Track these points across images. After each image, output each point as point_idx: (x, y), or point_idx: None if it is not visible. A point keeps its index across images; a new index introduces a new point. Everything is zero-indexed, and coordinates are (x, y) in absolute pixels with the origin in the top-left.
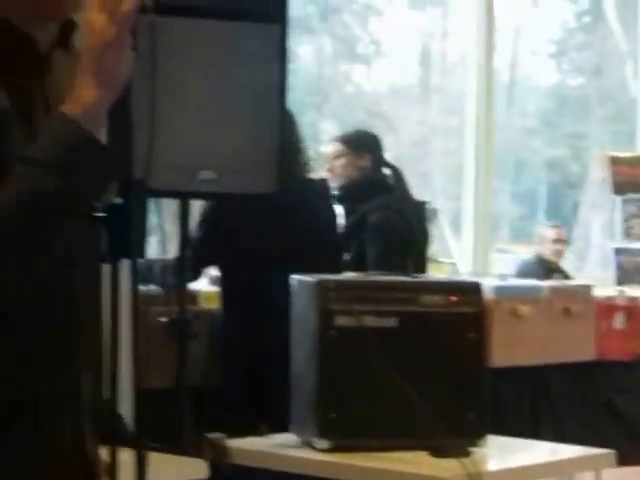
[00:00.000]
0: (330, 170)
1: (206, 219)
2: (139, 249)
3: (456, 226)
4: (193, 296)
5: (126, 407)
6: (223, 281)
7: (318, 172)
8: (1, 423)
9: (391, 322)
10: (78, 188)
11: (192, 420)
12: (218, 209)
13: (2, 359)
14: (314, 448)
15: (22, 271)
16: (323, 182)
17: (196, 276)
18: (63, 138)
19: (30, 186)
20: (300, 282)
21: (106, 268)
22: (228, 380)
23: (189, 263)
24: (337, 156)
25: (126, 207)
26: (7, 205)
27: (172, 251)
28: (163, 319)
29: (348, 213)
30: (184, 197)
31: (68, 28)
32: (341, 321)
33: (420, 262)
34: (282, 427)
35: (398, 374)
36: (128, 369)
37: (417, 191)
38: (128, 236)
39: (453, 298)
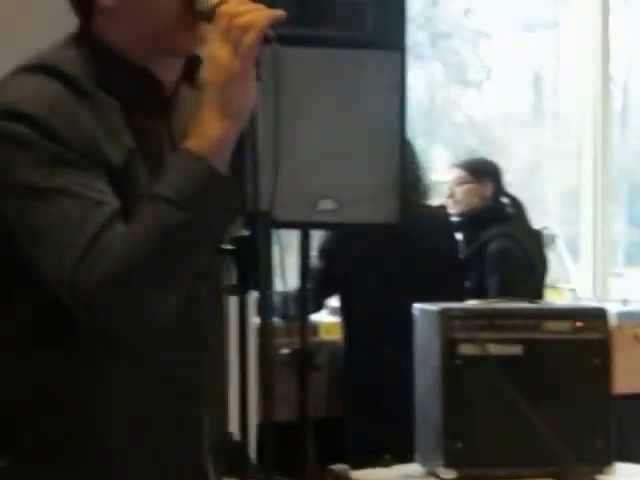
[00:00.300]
0: (450, 196)
1: (326, 249)
2: (267, 281)
3: (573, 251)
4: (314, 327)
5: (250, 440)
6: (344, 311)
7: (434, 198)
8: (122, 455)
9: (516, 350)
10: (205, 223)
11: (316, 452)
12: (338, 239)
13: (126, 389)
14: (440, 478)
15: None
16: (443, 209)
17: (317, 307)
18: (189, 174)
19: (158, 222)
20: (423, 311)
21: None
22: (351, 411)
23: (310, 294)
24: (459, 182)
25: (253, 239)
26: (136, 242)
27: (292, 283)
28: (285, 351)
29: (468, 241)
30: (305, 228)
31: (193, 63)
32: (465, 350)
33: (539, 289)
34: (406, 457)
35: (523, 402)
36: (252, 402)
37: (532, 216)
38: (256, 268)
39: (578, 324)
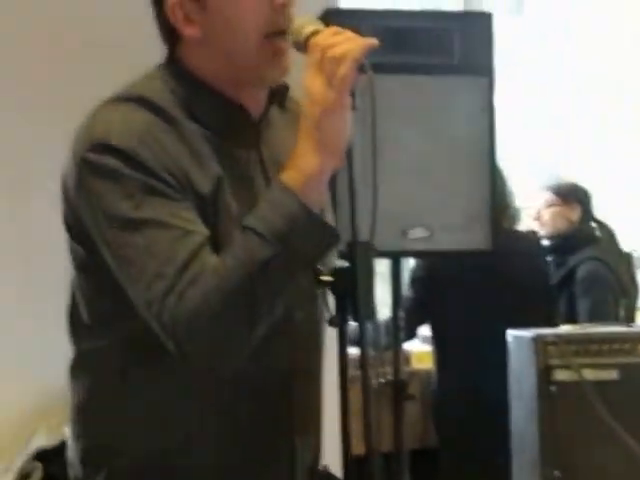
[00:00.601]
0: (537, 218)
1: (417, 277)
2: (368, 311)
3: None
4: (406, 357)
5: (348, 471)
6: (436, 339)
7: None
8: (216, 472)
9: (611, 374)
10: (295, 258)
11: None
12: (429, 266)
13: (221, 407)
14: None
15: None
16: (533, 234)
17: (410, 336)
18: (282, 209)
19: (249, 256)
20: (516, 337)
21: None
22: (445, 440)
23: (402, 323)
24: (548, 205)
25: (353, 270)
26: (226, 274)
27: (383, 312)
28: (377, 381)
29: (557, 265)
30: (396, 256)
31: (281, 91)
32: (560, 376)
33: (631, 312)
34: None
35: (620, 427)
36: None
37: (621, 239)
38: (356, 299)
39: None
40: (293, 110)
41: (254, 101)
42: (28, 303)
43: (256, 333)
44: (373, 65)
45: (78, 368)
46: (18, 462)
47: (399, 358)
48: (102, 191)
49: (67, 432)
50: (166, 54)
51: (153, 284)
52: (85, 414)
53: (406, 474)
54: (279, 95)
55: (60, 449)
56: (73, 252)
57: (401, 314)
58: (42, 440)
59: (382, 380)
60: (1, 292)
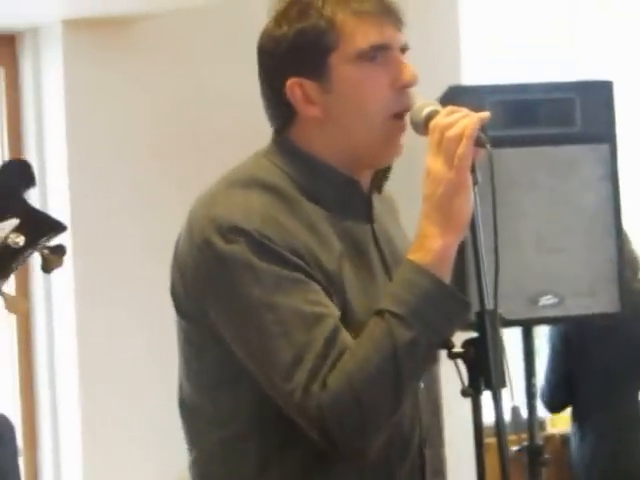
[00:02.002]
0: None
1: (554, 345)
2: (500, 380)
3: None
4: (541, 422)
5: None
6: (575, 404)
7: None
8: None
9: None
10: (432, 334)
11: None
12: (563, 336)
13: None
14: None
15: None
16: None
17: (555, 409)
18: (415, 288)
19: (387, 338)
20: None
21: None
22: None
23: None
24: None
25: (483, 340)
26: (366, 358)
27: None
28: (513, 448)
29: None
30: (528, 324)
31: (382, 172)
32: None
33: None
34: None
35: None
36: None
37: None
38: (487, 368)
39: None
40: (386, 195)
41: (364, 178)
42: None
43: (399, 409)
44: (496, 139)
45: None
46: None
47: (534, 424)
48: (231, 278)
49: None
50: (276, 134)
51: (293, 373)
52: None
53: None
54: (382, 173)
55: None
56: (186, 334)
57: (535, 381)
58: None
59: (517, 447)
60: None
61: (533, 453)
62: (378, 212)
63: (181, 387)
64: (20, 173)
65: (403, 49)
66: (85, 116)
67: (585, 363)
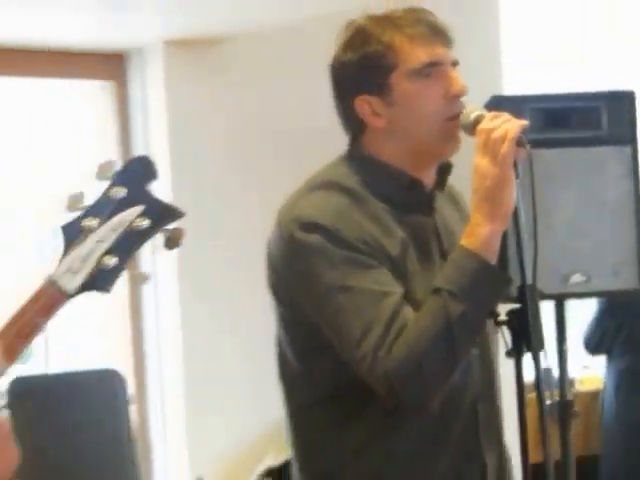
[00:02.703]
0: None
1: (598, 316)
2: (539, 344)
3: None
4: (571, 381)
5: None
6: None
7: None
8: None
9: None
10: (480, 308)
11: None
12: (607, 306)
13: (419, 439)
14: None
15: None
16: None
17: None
18: (466, 270)
19: (443, 312)
20: None
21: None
22: (608, 449)
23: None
24: None
25: (524, 310)
26: (426, 328)
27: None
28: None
29: None
30: (560, 299)
31: (445, 170)
32: None
33: None
34: None
35: None
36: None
37: None
38: (528, 334)
39: None
40: (448, 191)
41: (428, 176)
42: (255, 354)
43: (455, 371)
44: (533, 141)
45: (293, 409)
46: (252, 478)
47: (565, 382)
48: (312, 265)
49: (289, 455)
50: (350, 143)
51: (363, 342)
52: (305, 453)
53: (574, 477)
54: (444, 171)
55: (283, 467)
56: (281, 316)
57: (566, 346)
58: (270, 460)
59: (550, 402)
60: (236, 340)
61: (564, 407)
62: (440, 206)
63: (279, 351)
64: (144, 167)
65: (454, 64)
66: (184, 124)
67: (623, 331)
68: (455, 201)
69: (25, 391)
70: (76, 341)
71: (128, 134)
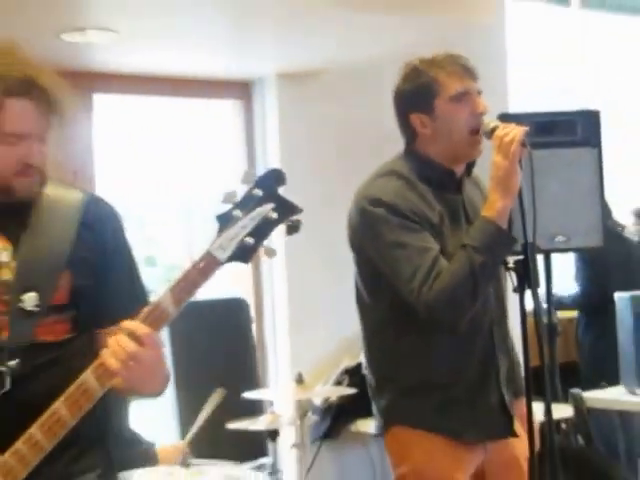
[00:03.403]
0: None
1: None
2: (536, 284)
3: None
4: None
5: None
6: (583, 301)
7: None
8: (459, 385)
9: None
10: (495, 259)
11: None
12: (588, 258)
13: (456, 352)
14: (636, 394)
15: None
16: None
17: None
18: (486, 232)
19: (468, 261)
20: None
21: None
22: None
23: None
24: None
25: (526, 260)
26: (455, 273)
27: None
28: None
29: None
30: (548, 252)
31: (471, 163)
32: None
33: None
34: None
35: None
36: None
37: None
38: (529, 276)
39: None
40: (473, 177)
41: (459, 168)
42: (340, 285)
43: (477, 303)
44: (531, 143)
45: (367, 329)
46: (333, 375)
47: (551, 310)
48: (377, 228)
49: (362, 358)
50: (406, 145)
51: (412, 281)
52: (373, 358)
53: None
54: (469, 167)
55: (356, 367)
56: (358, 264)
57: (552, 286)
58: (347, 362)
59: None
60: (325, 279)
61: (551, 327)
62: (467, 188)
63: (356, 287)
64: (277, 176)
65: (479, 92)
66: (293, 138)
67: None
68: (478, 185)
69: (179, 314)
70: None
71: (252, 143)
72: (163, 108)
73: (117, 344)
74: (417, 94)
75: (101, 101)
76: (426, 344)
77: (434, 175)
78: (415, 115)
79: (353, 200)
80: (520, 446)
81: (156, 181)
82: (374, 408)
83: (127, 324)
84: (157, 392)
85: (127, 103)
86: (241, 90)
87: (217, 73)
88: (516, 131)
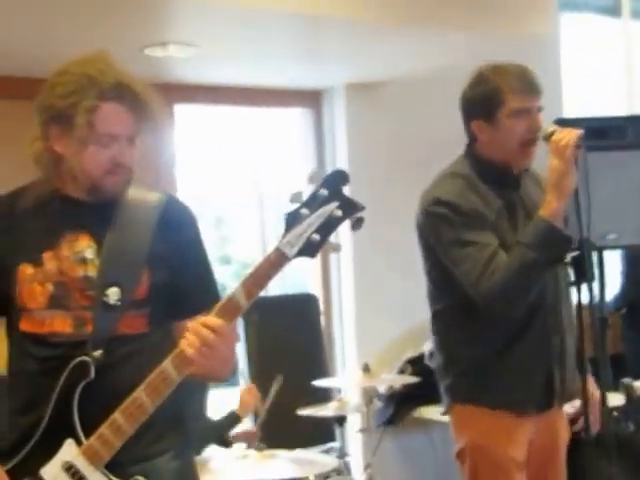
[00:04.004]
0: None
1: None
2: (592, 276)
3: None
4: None
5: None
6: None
7: None
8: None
9: None
10: (548, 257)
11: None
12: (629, 257)
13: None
14: None
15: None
16: None
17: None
18: (539, 231)
19: (521, 258)
20: None
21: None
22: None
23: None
24: None
25: (582, 256)
26: (510, 268)
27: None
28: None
29: None
30: (600, 250)
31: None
32: None
33: None
34: None
35: None
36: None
37: None
38: (585, 271)
39: None
40: (531, 172)
41: (516, 168)
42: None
43: (530, 295)
44: (586, 146)
45: (435, 317)
46: (398, 364)
47: (603, 304)
48: (440, 227)
49: (425, 348)
50: (467, 146)
51: (472, 273)
52: (441, 342)
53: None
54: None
55: (419, 357)
56: (425, 259)
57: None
58: (410, 352)
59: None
60: (389, 277)
61: (602, 320)
62: (526, 184)
63: (426, 279)
64: (341, 176)
65: (539, 110)
66: (359, 143)
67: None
68: (537, 180)
69: (253, 306)
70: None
71: (322, 149)
72: (238, 117)
73: (194, 333)
74: (481, 102)
75: (181, 111)
76: (486, 329)
77: (493, 174)
78: (476, 122)
79: (419, 201)
80: (564, 433)
81: (231, 185)
82: (441, 388)
83: (203, 318)
84: (224, 378)
85: (205, 113)
86: (311, 99)
87: (289, 83)
88: (571, 135)
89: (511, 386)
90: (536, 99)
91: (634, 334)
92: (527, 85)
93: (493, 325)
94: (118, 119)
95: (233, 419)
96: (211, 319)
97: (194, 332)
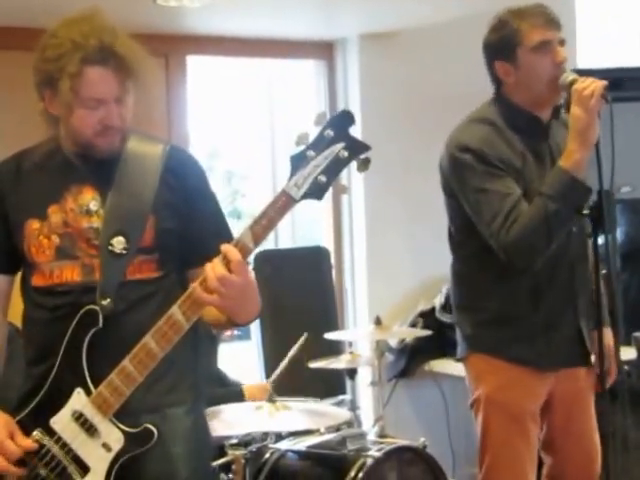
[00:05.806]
0: None
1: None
2: (610, 228)
3: None
4: None
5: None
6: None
7: None
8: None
9: None
10: (569, 207)
11: None
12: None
13: (532, 284)
14: None
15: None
16: None
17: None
18: (562, 181)
19: (543, 208)
20: None
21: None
22: None
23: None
24: None
25: (600, 206)
26: (532, 218)
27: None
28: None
29: None
30: (616, 202)
31: (558, 107)
32: None
33: None
34: None
35: None
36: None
37: None
38: (603, 223)
39: None
40: (562, 118)
41: (545, 114)
42: (427, 227)
43: (550, 248)
44: (615, 98)
45: (457, 263)
46: (410, 317)
47: (616, 253)
48: (463, 174)
49: (437, 301)
50: (494, 92)
51: (492, 223)
52: (459, 289)
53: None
54: (556, 110)
55: (430, 310)
56: (448, 204)
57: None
58: (422, 305)
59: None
60: (401, 229)
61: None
62: (556, 132)
63: (448, 226)
64: (346, 116)
65: (561, 43)
66: (371, 91)
67: None
68: (567, 127)
69: (264, 259)
70: (298, 224)
71: (335, 100)
72: (251, 69)
73: (211, 270)
74: (501, 44)
75: (193, 62)
76: (507, 279)
77: (520, 121)
78: (499, 63)
79: (445, 145)
80: (587, 379)
81: (243, 139)
82: (458, 335)
83: (222, 247)
84: (249, 319)
85: (217, 64)
86: (325, 51)
87: (302, 35)
88: (596, 84)
89: (539, 341)
90: (555, 31)
91: (637, 283)
92: (544, 18)
93: (517, 276)
94: (103, 82)
95: (238, 397)
96: (229, 250)
97: (211, 267)
